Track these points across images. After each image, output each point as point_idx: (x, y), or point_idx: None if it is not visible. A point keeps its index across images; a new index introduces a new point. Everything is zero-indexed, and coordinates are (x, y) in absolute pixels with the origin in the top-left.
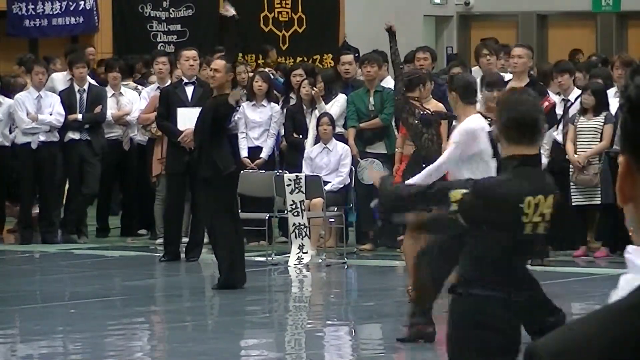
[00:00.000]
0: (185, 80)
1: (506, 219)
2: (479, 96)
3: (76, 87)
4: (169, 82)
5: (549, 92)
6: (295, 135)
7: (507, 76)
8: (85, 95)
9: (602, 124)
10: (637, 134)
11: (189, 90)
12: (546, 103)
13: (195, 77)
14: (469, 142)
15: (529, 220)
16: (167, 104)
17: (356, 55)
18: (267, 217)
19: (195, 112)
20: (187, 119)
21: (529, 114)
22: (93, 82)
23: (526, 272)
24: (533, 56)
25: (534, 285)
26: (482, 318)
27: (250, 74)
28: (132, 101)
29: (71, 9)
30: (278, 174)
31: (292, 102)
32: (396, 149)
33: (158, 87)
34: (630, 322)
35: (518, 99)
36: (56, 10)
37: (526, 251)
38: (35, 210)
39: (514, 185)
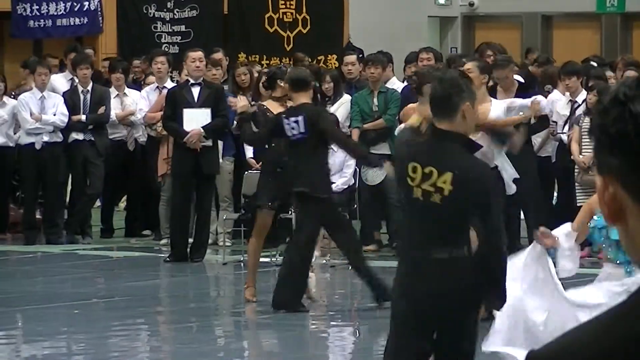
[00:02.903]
0: (192, 81)
1: (398, 176)
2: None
3: (80, 88)
4: (167, 82)
5: (557, 93)
6: None
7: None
8: (88, 96)
9: None
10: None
11: (195, 91)
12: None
13: (201, 78)
14: None
15: (417, 184)
16: (174, 104)
17: (360, 56)
18: None
19: (201, 113)
20: (193, 119)
21: (437, 91)
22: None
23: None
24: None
25: None
26: (396, 286)
27: (256, 75)
28: (136, 102)
29: (75, 9)
30: None
31: None
32: None
33: (157, 87)
34: (622, 330)
35: (433, 77)
36: (60, 10)
37: (425, 217)
38: (38, 215)
39: (405, 148)
